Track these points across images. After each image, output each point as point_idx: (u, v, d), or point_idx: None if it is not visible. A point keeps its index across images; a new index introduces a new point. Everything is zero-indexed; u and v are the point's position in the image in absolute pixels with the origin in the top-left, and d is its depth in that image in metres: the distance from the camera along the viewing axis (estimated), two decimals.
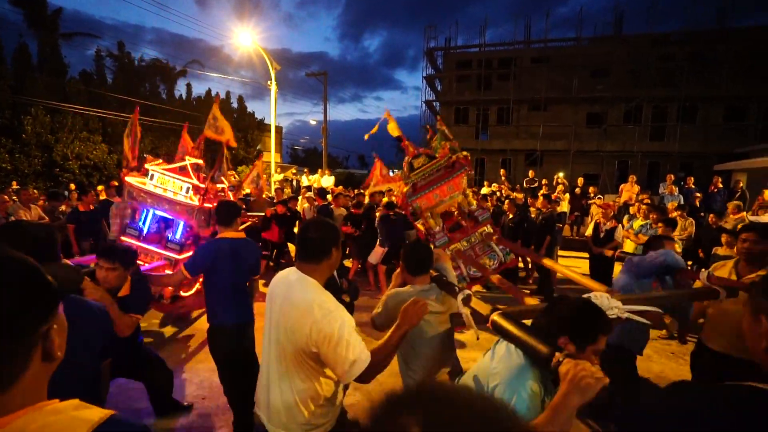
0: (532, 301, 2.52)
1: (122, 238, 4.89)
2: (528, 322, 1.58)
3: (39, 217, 5.61)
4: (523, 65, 20.26)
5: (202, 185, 4.68)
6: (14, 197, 7.48)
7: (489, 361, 1.51)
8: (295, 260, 1.65)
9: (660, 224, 5.40)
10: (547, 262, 3.76)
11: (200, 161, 4.89)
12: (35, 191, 5.53)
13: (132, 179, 4.74)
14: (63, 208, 6.85)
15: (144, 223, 5.03)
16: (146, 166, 4.81)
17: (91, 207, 6.20)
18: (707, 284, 2.10)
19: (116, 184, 7.39)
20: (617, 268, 6.17)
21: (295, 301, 1.55)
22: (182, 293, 4.29)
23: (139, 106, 5.18)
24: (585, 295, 1.71)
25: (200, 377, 3.57)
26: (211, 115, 4.75)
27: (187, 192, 4.64)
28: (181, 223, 4.83)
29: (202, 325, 4.78)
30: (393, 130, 5.15)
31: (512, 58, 20.34)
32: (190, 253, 4.99)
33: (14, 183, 9.86)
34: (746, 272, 2.36)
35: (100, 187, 9.17)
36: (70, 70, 18.25)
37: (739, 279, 2.36)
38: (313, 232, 1.60)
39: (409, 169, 5.01)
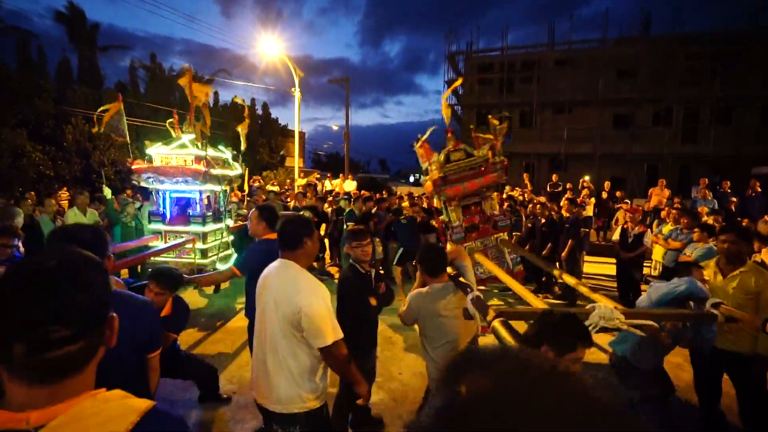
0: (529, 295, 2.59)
1: (150, 226, 5.51)
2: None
3: (95, 222, 6.05)
4: (546, 67, 19.98)
5: (202, 153, 5.31)
6: (60, 200, 8.07)
7: None
8: (279, 251, 1.91)
9: (696, 230, 5.06)
10: (562, 274, 3.60)
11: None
12: (86, 193, 6.08)
13: (138, 165, 5.42)
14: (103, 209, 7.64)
15: (164, 208, 5.55)
16: (147, 151, 5.49)
17: None
18: (709, 310, 2.18)
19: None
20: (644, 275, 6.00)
21: (283, 282, 1.79)
22: None
23: (120, 94, 6.05)
24: (589, 306, 1.79)
25: (230, 373, 3.72)
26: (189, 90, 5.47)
27: (192, 162, 5.30)
28: (197, 196, 5.43)
29: (227, 325, 4.96)
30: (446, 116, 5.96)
31: (535, 60, 20.09)
32: (215, 226, 5.62)
33: (65, 188, 10.51)
34: (727, 270, 2.66)
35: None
36: (106, 81, 19.31)
37: (722, 273, 2.68)
38: (289, 225, 1.89)
39: (446, 160, 5.26)
